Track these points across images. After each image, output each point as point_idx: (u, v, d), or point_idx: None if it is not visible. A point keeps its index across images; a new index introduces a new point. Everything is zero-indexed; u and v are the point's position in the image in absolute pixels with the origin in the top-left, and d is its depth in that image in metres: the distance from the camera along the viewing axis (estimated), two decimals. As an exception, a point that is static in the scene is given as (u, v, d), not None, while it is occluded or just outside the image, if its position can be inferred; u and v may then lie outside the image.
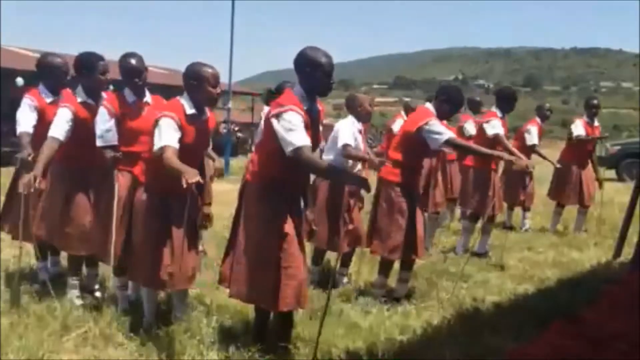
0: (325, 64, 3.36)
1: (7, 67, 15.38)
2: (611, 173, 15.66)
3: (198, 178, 3.22)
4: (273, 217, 3.42)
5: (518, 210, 8.04)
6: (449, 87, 4.97)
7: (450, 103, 4.64)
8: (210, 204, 4.01)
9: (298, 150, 3.23)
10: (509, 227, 7.74)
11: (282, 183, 3.44)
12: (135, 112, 4.12)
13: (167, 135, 3.48)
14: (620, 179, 15.06)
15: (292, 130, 3.25)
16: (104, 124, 4.08)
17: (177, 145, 3.47)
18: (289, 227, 3.42)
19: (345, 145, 4.83)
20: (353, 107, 5.04)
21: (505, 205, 7.97)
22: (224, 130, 16.56)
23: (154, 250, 3.66)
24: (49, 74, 4.58)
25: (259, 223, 3.45)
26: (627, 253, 5.98)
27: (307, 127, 3.31)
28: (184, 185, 3.18)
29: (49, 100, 4.51)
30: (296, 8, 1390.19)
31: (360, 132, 4.98)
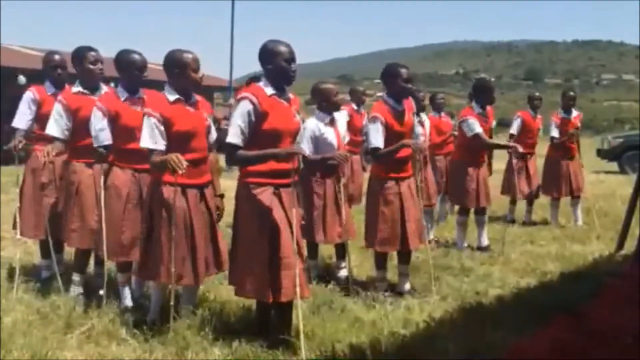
0: (284, 52, 3.50)
1: (8, 65, 15.38)
2: (613, 166, 15.64)
3: (183, 164, 3.37)
4: (263, 210, 3.47)
5: (520, 203, 8.02)
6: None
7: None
8: (222, 196, 4.02)
9: (227, 143, 3.47)
10: (511, 221, 7.73)
11: (266, 173, 3.49)
12: (129, 110, 4.10)
13: (147, 136, 3.60)
14: (622, 171, 15.02)
15: (232, 124, 3.46)
16: (98, 124, 4.09)
17: (160, 147, 3.58)
18: (279, 219, 3.46)
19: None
20: (319, 100, 4.97)
21: (507, 199, 8.00)
22: (226, 126, 16.57)
23: (177, 246, 3.62)
24: (49, 71, 4.78)
25: (249, 217, 3.51)
26: (630, 246, 5.97)
27: (267, 111, 3.45)
28: (177, 174, 3.38)
29: (50, 92, 4.71)
30: (297, 3, 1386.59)
31: (331, 123, 4.95)
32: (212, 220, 3.84)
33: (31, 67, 13.64)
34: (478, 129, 6.04)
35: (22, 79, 14.10)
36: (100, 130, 4.08)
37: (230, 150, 3.49)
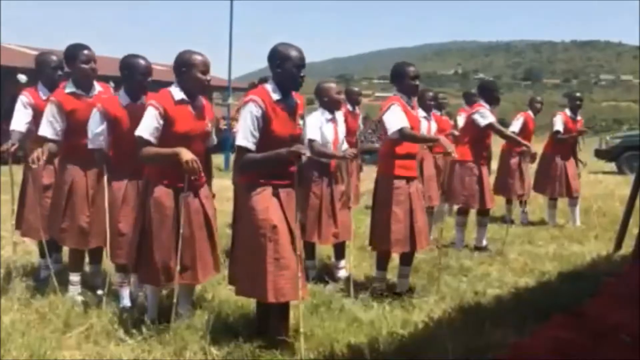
0: (295, 57, 3.47)
1: (8, 65, 15.37)
2: (611, 166, 15.66)
3: (192, 157, 3.42)
4: (261, 210, 3.46)
5: (517, 203, 8.02)
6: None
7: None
8: (214, 196, 4.03)
9: (238, 146, 3.45)
10: (509, 221, 7.74)
11: (266, 174, 3.48)
12: (130, 116, 4.00)
13: (144, 125, 3.59)
14: (620, 171, 15.04)
15: (241, 126, 3.44)
16: (96, 128, 4.04)
17: (151, 138, 3.58)
18: (277, 219, 3.46)
19: (310, 141, 4.84)
20: (320, 97, 5.04)
21: (504, 199, 8.00)
22: (225, 127, 16.57)
23: (168, 247, 3.66)
24: (44, 72, 4.68)
25: (248, 217, 3.50)
26: (628, 246, 5.99)
27: (271, 117, 3.44)
28: (188, 165, 3.39)
29: (45, 97, 4.56)
30: (296, 2, 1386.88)
31: (331, 120, 5.00)
32: (209, 220, 3.85)
33: (31, 66, 13.61)
34: (491, 118, 6.08)
35: (22, 77, 14.07)
36: (97, 135, 4.04)
37: (239, 153, 3.48)
